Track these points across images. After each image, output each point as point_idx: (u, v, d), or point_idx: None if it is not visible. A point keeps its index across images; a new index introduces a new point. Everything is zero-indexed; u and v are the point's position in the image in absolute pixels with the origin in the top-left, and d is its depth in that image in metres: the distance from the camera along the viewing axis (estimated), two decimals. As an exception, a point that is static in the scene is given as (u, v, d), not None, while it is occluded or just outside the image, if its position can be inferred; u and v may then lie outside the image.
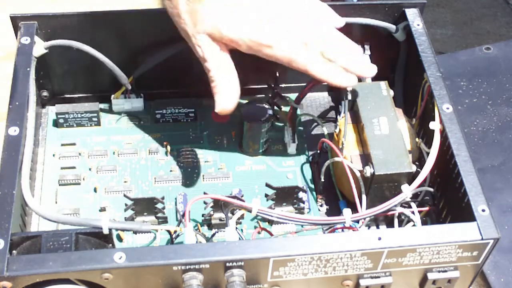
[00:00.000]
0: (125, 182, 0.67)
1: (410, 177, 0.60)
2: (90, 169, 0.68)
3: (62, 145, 0.70)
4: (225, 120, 0.72)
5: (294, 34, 0.58)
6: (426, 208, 0.63)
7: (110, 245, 0.56)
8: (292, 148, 0.70)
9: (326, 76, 0.59)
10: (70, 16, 0.67)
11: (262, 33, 0.57)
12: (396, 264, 0.55)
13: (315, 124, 0.73)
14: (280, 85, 0.69)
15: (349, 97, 0.65)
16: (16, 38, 0.66)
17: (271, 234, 0.63)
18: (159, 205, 0.62)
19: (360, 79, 0.67)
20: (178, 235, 0.60)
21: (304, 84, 0.68)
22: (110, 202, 0.65)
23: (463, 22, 1.02)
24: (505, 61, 0.90)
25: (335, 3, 0.69)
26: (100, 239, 0.55)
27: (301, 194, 0.64)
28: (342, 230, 0.60)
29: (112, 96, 0.71)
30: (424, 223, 0.63)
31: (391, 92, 0.66)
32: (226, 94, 0.60)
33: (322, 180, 0.66)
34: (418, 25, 0.68)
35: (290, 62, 0.58)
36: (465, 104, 0.85)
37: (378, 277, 0.57)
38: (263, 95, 0.74)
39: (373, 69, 0.61)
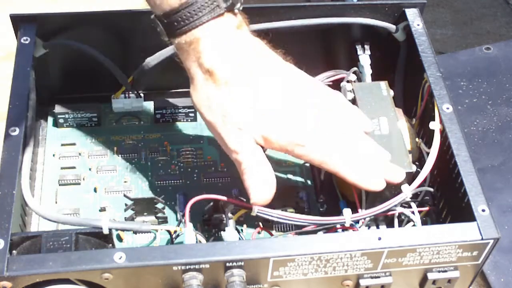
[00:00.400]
0: (125, 182, 0.67)
1: (410, 177, 0.60)
2: (90, 169, 0.68)
3: (62, 145, 0.70)
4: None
5: (329, 137, 0.57)
6: (426, 208, 0.63)
7: (110, 245, 0.56)
8: (292, 148, 0.70)
9: (355, 181, 0.58)
10: (70, 16, 0.67)
11: (296, 133, 0.56)
12: (396, 264, 0.55)
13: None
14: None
15: (349, 97, 0.65)
16: (16, 38, 0.66)
17: (271, 234, 0.63)
18: (159, 205, 0.62)
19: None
20: (178, 235, 0.60)
21: (304, 84, 0.68)
22: (110, 202, 0.65)
23: (463, 22, 1.02)
24: (505, 61, 0.90)
25: (335, 3, 0.69)
26: (100, 239, 0.55)
27: (301, 194, 0.64)
28: (342, 230, 0.60)
29: (112, 96, 0.71)
30: (424, 223, 0.62)
31: (391, 92, 0.66)
32: (262, 184, 0.57)
33: (322, 180, 0.66)
34: (418, 25, 0.68)
35: (321, 164, 0.57)
36: (465, 104, 0.85)
37: (378, 277, 0.57)
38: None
39: (401, 175, 0.59)
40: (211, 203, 0.62)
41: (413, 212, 0.60)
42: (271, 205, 0.64)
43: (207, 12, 0.54)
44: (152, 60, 0.69)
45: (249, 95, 0.56)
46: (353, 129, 0.59)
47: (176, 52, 0.58)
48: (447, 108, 0.62)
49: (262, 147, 0.57)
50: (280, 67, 0.58)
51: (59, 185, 0.66)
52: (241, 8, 0.56)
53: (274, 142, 0.57)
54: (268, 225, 0.64)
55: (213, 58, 0.55)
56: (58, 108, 0.70)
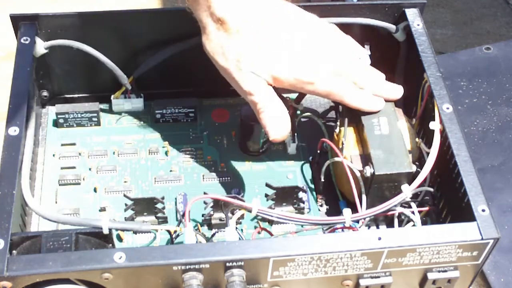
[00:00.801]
0: (125, 182, 0.67)
1: (410, 177, 0.60)
2: (90, 169, 0.68)
3: (62, 145, 0.70)
4: (225, 120, 0.72)
5: (330, 67, 0.61)
6: (426, 208, 0.63)
7: (110, 245, 0.56)
8: (292, 148, 0.70)
9: (359, 104, 0.62)
10: (70, 16, 0.67)
11: (304, 70, 0.60)
12: (396, 264, 0.55)
13: (315, 124, 0.73)
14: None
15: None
16: (16, 38, 0.66)
17: (271, 234, 0.63)
18: (159, 205, 0.62)
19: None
20: (178, 235, 0.60)
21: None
22: (110, 202, 0.65)
23: (463, 22, 1.02)
24: (505, 61, 0.90)
25: (335, 3, 0.69)
26: (100, 239, 0.55)
27: (301, 194, 0.64)
28: (342, 230, 0.60)
29: (112, 96, 0.71)
30: (424, 223, 0.63)
31: (391, 92, 0.66)
32: (278, 122, 0.60)
33: (322, 180, 0.66)
34: (418, 25, 0.68)
35: (328, 95, 0.61)
36: (465, 104, 0.85)
37: (378, 277, 0.57)
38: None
39: (399, 90, 0.65)
40: (211, 203, 0.62)
41: (413, 212, 0.60)
42: (271, 205, 0.64)
43: None
44: (152, 60, 0.69)
45: (260, 40, 0.58)
46: (350, 56, 0.63)
47: (187, 4, 0.60)
48: (447, 108, 0.62)
49: (274, 88, 0.60)
50: (290, 12, 0.61)
51: (59, 185, 0.66)
52: None
53: (284, 81, 0.60)
54: (268, 225, 0.64)
55: (224, 7, 0.57)
56: (58, 108, 0.70)
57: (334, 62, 0.61)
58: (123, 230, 0.61)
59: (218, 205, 0.62)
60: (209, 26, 0.59)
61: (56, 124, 0.71)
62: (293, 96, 0.70)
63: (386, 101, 0.64)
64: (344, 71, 0.61)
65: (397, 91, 0.64)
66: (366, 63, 0.64)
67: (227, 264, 0.53)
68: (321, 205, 0.67)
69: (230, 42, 0.58)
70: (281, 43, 0.59)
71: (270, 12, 0.60)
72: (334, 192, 0.67)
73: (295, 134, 0.70)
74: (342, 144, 0.64)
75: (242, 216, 0.62)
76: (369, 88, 0.63)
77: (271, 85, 0.60)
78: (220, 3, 0.57)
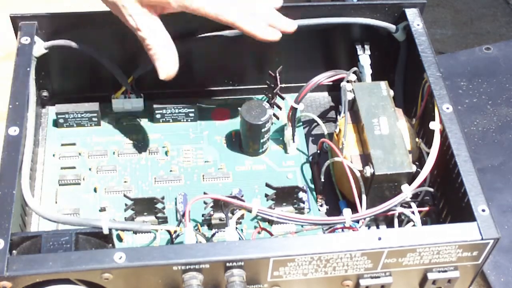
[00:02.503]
0: (125, 182, 0.67)
1: (410, 177, 0.60)
2: (90, 169, 0.68)
3: (62, 145, 0.70)
4: (225, 120, 0.72)
5: None
6: (426, 208, 0.63)
7: (110, 245, 0.56)
8: (292, 148, 0.70)
9: (253, 30, 0.61)
10: (70, 16, 0.67)
11: None
12: (396, 264, 0.55)
13: (315, 124, 0.73)
14: (280, 85, 0.69)
15: (349, 97, 0.65)
16: (16, 38, 0.66)
17: (271, 234, 0.63)
18: (159, 205, 0.62)
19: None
20: (178, 235, 0.60)
21: (304, 84, 0.68)
22: (110, 202, 0.65)
23: (463, 22, 1.02)
24: (505, 61, 0.90)
25: (335, 3, 0.69)
26: (100, 239, 0.55)
27: (301, 194, 0.64)
28: (342, 230, 0.60)
29: (112, 96, 0.71)
30: (424, 223, 0.63)
31: (391, 92, 0.66)
32: (167, 59, 0.60)
33: (322, 180, 0.66)
34: (418, 25, 0.68)
35: (218, 16, 0.60)
36: (465, 104, 0.85)
37: (378, 277, 0.57)
38: (263, 95, 0.74)
39: (293, 24, 0.64)
40: (211, 203, 0.62)
41: (413, 212, 0.60)
42: (271, 205, 0.64)
43: None
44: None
45: None
46: None
47: None
48: (447, 108, 0.62)
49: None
50: None
51: (59, 185, 0.66)
52: None
53: (171, 2, 0.59)
54: (268, 225, 0.64)
55: None
56: (58, 108, 0.70)
57: None
58: (123, 230, 0.61)
59: (218, 205, 0.62)
60: None
61: (56, 124, 0.71)
62: (293, 96, 0.70)
63: (283, 33, 0.63)
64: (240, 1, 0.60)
65: (291, 24, 0.64)
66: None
67: (227, 264, 0.53)
68: (321, 205, 0.67)
69: None
70: None
71: None
72: (334, 192, 0.67)
73: (295, 134, 0.70)
74: (342, 144, 0.64)
75: (242, 216, 0.62)
76: (265, 18, 0.62)
77: (160, 12, 0.60)
78: None
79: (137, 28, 0.60)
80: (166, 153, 0.69)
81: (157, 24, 0.60)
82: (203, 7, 0.59)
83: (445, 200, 0.63)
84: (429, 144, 0.62)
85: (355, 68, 0.70)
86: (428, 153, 0.61)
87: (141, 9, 0.59)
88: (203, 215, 0.63)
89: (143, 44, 0.60)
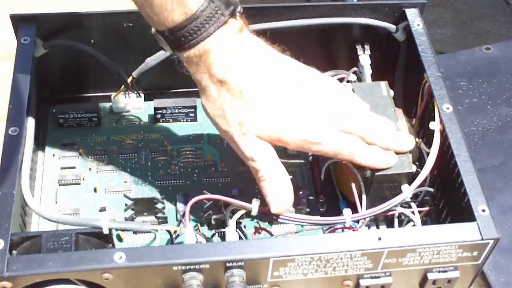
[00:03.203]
0: (125, 182, 0.67)
1: (410, 177, 0.60)
2: (90, 169, 0.68)
3: (62, 145, 0.70)
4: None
5: (336, 125, 0.57)
6: (426, 208, 0.63)
7: (110, 245, 0.56)
8: (292, 148, 0.70)
9: (370, 162, 0.59)
10: (70, 16, 0.67)
11: (310, 131, 0.57)
12: (396, 264, 0.55)
13: (315, 124, 0.73)
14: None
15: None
16: (16, 38, 0.66)
17: (271, 234, 0.63)
18: (159, 205, 0.62)
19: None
20: (178, 235, 0.60)
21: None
22: (110, 202, 0.65)
23: (463, 22, 1.02)
24: (505, 61, 0.90)
25: (335, 3, 0.69)
26: (100, 239, 0.55)
27: (301, 194, 0.64)
28: (342, 230, 0.60)
29: (112, 96, 0.71)
30: (424, 223, 0.63)
31: (391, 92, 0.66)
32: (281, 193, 0.58)
33: (322, 180, 0.66)
34: (418, 25, 0.68)
35: (337, 155, 0.58)
36: (465, 104, 0.85)
37: (378, 277, 0.57)
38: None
39: (411, 142, 0.61)
40: (211, 203, 0.62)
41: (413, 212, 0.60)
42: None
43: (213, 22, 0.53)
44: (152, 60, 0.69)
45: (264, 102, 0.56)
46: (353, 110, 0.59)
47: (185, 66, 0.57)
48: (447, 108, 0.62)
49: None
50: (291, 69, 0.58)
51: (59, 185, 0.66)
52: (241, 11, 0.56)
53: (290, 143, 0.57)
54: (268, 225, 0.64)
55: (224, 67, 0.55)
56: (58, 108, 0.70)
57: (341, 119, 0.58)
58: (123, 230, 0.61)
59: (218, 205, 0.62)
60: (209, 87, 0.56)
61: (56, 124, 0.71)
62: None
63: (397, 153, 0.60)
64: (352, 128, 0.58)
65: (408, 142, 0.60)
66: (369, 113, 0.61)
67: (227, 264, 0.53)
68: (321, 205, 0.67)
69: (233, 103, 0.56)
70: (286, 104, 0.56)
71: (272, 71, 0.57)
72: (334, 192, 0.67)
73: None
74: (342, 144, 0.64)
75: (242, 216, 0.62)
76: (379, 143, 0.59)
77: (276, 145, 0.58)
78: (221, 64, 0.55)
79: (250, 158, 0.57)
80: (166, 153, 0.69)
81: (272, 155, 0.58)
82: (322, 150, 0.57)
83: (445, 200, 0.63)
84: (429, 144, 0.62)
85: (355, 68, 0.70)
86: (428, 153, 0.61)
87: (258, 141, 0.57)
88: (203, 215, 0.63)
89: (255, 176, 0.58)
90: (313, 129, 0.57)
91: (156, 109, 0.71)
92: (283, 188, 0.58)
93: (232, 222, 0.58)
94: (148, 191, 0.66)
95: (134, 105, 0.72)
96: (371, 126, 0.59)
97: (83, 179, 0.67)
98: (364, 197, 0.62)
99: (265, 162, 0.57)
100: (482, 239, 0.54)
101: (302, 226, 0.62)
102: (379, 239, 0.54)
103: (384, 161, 0.59)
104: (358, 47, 0.71)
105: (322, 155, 0.59)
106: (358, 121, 0.58)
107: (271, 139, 0.57)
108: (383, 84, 0.66)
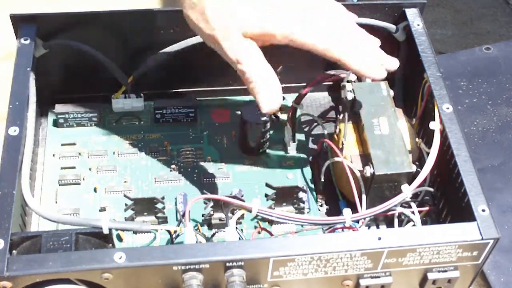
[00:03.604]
0: (125, 182, 0.67)
1: (410, 177, 0.60)
2: (90, 169, 0.68)
3: (62, 145, 0.70)
4: (225, 120, 0.72)
5: (332, 23, 0.57)
6: (426, 208, 0.63)
7: (110, 245, 0.56)
8: (292, 148, 0.70)
9: (361, 67, 0.57)
10: (70, 16, 0.67)
11: (297, 19, 0.56)
12: (396, 264, 0.55)
13: (315, 124, 0.73)
14: (281, 85, 0.69)
15: (349, 97, 0.65)
16: (16, 38, 0.66)
17: (271, 234, 0.63)
18: (159, 205, 0.62)
19: (360, 79, 0.68)
20: (178, 235, 0.60)
21: (304, 84, 0.68)
22: (110, 202, 0.65)
23: (463, 22, 1.02)
24: (505, 61, 0.90)
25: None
26: (100, 239, 0.55)
27: (301, 194, 0.64)
28: (342, 230, 0.60)
29: (112, 96, 0.71)
30: (424, 223, 0.63)
31: (391, 92, 0.66)
32: (268, 92, 0.56)
33: (322, 180, 0.66)
34: (418, 25, 0.68)
35: (326, 52, 0.57)
36: (465, 104, 0.85)
37: (378, 277, 0.57)
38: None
39: (397, 63, 0.60)
40: (211, 203, 0.62)
41: (413, 212, 0.60)
42: (271, 205, 0.64)
43: None
44: (152, 60, 0.69)
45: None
46: (348, 20, 0.59)
47: None
48: (447, 108, 0.62)
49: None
50: None
51: (59, 185, 0.66)
52: None
53: (277, 35, 0.56)
54: (268, 225, 0.64)
55: None
56: (58, 108, 0.70)
57: (335, 18, 0.57)
58: (123, 230, 0.61)
59: (218, 205, 0.62)
60: None
61: (56, 124, 0.71)
62: (293, 96, 0.70)
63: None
64: (347, 31, 0.57)
65: (394, 62, 0.60)
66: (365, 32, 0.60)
67: (227, 264, 0.53)
68: (321, 205, 0.67)
69: (213, 7, 0.55)
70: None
71: None
72: (334, 192, 0.67)
73: (295, 134, 0.70)
74: (342, 144, 0.64)
75: (242, 216, 0.62)
76: (370, 53, 0.58)
77: (263, 39, 0.56)
78: None
79: (236, 61, 0.56)
80: (166, 153, 0.69)
81: (259, 55, 0.56)
82: (313, 43, 0.56)
83: (445, 200, 0.63)
84: (429, 144, 0.62)
85: (355, 68, 0.70)
86: (428, 153, 0.61)
87: (243, 41, 0.56)
88: (203, 215, 0.63)
89: (243, 78, 0.57)
90: (301, 18, 0.56)
91: (156, 109, 0.71)
92: (273, 87, 0.57)
93: (232, 222, 0.58)
94: (148, 191, 0.66)
95: (134, 105, 0.72)
96: (364, 35, 0.59)
97: (83, 179, 0.67)
98: (364, 197, 0.62)
99: (252, 63, 0.56)
100: (482, 239, 0.54)
101: (302, 226, 0.62)
102: (379, 239, 0.54)
103: (377, 71, 0.58)
104: (358, 47, 0.71)
105: (311, 50, 0.57)
106: (353, 27, 0.58)
107: (256, 34, 0.56)
108: (383, 84, 0.66)
